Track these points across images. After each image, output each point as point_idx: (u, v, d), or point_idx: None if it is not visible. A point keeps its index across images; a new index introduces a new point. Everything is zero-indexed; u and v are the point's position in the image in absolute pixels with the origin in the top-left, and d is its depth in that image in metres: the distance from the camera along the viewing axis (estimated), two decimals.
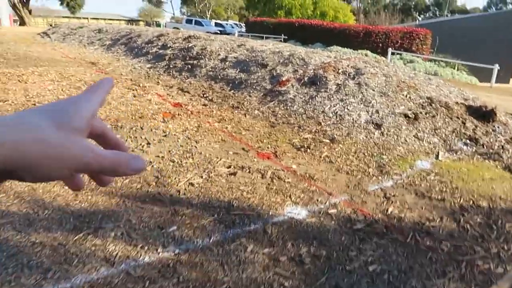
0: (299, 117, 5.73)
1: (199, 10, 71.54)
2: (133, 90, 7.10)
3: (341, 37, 21.95)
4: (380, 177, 4.14)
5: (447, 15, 54.72)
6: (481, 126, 5.55)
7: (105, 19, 56.62)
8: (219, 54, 8.92)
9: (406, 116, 5.52)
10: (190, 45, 10.00)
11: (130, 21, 63.18)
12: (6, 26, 33.21)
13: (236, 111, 6.13)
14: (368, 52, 19.12)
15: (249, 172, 4.01)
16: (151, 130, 5.02)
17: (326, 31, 23.32)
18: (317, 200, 3.53)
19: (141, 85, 7.55)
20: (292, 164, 4.33)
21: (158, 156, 4.21)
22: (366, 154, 4.69)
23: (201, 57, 9.06)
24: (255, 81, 7.20)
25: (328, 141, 5.00)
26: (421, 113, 5.60)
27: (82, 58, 11.28)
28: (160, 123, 5.33)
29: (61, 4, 34.08)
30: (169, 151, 4.37)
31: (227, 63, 8.39)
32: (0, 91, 6.30)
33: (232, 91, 7.13)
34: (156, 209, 3.14)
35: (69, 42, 16.23)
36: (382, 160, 4.53)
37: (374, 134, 5.17)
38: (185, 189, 3.53)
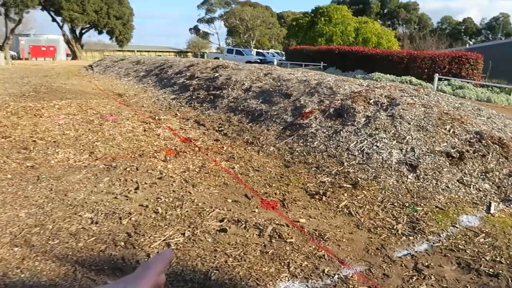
0: (318, 155, 4.96)
1: (243, 41, 73.21)
2: (147, 123, 6.68)
3: (384, 63, 20.90)
4: (411, 237, 3.25)
5: (501, 38, 51.74)
6: None
7: (155, 51, 59.10)
8: (243, 84, 8.40)
9: (448, 155, 4.58)
10: (216, 75, 9.60)
11: (179, 52, 65.50)
12: (61, 59, 35.39)
13: (249, 147, 5.47)
14: (413, 79, 17.97)
15: (245, 227, 3.29)
16: (147, 171, 4.47)
17: (367, 58, 22.37)
18: (323, 272, 2.72)
19: (157, 118, 7.14)
20: (300, 216, 3.55)
21: (142, 205, 3.61)
22: (395, 204, 3.81)
23: (225, 87, 8.58)
24: (275, 113, 6.54)
25: (349, 186, 4.18)
26: (467, 151, 4.63)
27: (111, 89, 11.24)
28: (160, 162, 4.78)
29: (110, 38, 35.92)
30: (157, 198, 3.76)
31: (250, 93, 7.83)
32: (10, 126, 6.09)
33: (250, 124, 6.50)
34: (111, 282, 2.49)
35: (108, 74, 16.57)
36: (415, 213, 3.63)
37: (407, 177, 4.27)
38: (158, 252, 2.87)
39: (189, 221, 3.35)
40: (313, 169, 4.64)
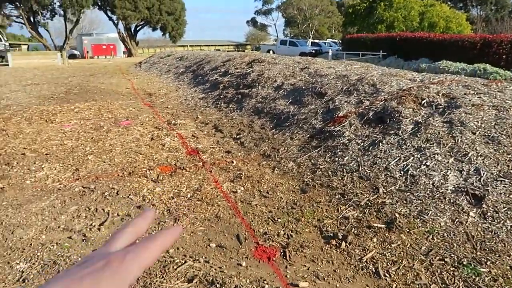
0: (347, 176, 3.82)
1: (302, 31, 71.58)
2: (159, 129, 5.92)
3: (453, 50, 18.60)
4: None
5: None
6: None
7: (214, 45, 59.43)
8: (275, 81, 7.36)
9: None
10: (248, 71, 8.65)
11: (238, 45, 65.47)
12: (121, 57, 36.52)
13: (264, 162, 4.46)
14: (488, 66, 15.63)
15: None
16: (128, 197, 3.65)
17: (434, 44, 20.11)
18: None
19: (172, 122, 6.35)
20: (303, 276, 2.51)
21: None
22: (448, 259, 2.61)
23: (255, 84, 7.60)
24: (304, 116, 5.44)
25: (382, 225, 3.03)
26: None
27: (145, 88, 10.74)
28: (150, 183, 3.94)
29: (163, 34, 36.34)
30: None
31: (280, 91, 6.77)
32: (11, 135, 5.64)
33: (273, 130, 5.47)
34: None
35: (151, 71, 16.30)
36: (477, 278, 2.42)
37: (468, 215, 3.02)
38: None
39: (143, 281, 2.45)
40: (336, 196, 3.53)
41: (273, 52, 27.89)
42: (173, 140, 5.33)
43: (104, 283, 0.35)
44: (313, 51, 30.22)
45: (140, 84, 11.79)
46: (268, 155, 4.64)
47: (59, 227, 3.11)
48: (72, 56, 31.97)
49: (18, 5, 27.93)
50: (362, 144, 4.26)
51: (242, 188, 3.81)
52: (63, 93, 9.52)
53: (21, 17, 29.31)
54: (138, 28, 35.91)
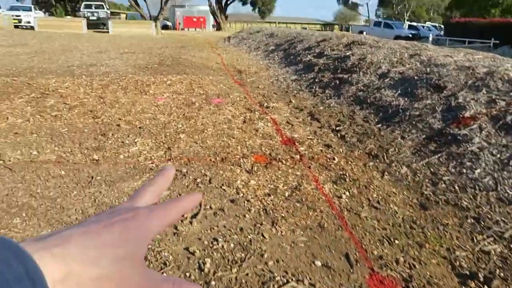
0: (481, 195, 3.11)
1: (396, 12, 67.37)
2: (251, 111, 5.58)
3: None
4: None
5: None
6: None
7: (300, 23, 58.25)
8: (379, 67, 6.59)
9: None
10: (348, 54, 7.93)
11: (325, 25, 63.36)
12: (207, 30, 37.19)
13: (371, 164, 3.88)
14: None
15: None
16: (221, 187, 3.33)
17: None
18: None
19: (265, 105, 5.97)
20: None
21: (188, 250, 2.48)
22: None
23: (355, 69, 6.90)
24: (418, 112, 4.70)
25: None
26: None
27: (235, 65, 10.51)
28: (243, 173, 3.60)
29: (253, 9, 36.11)
30: (214, 240, 2.59)
31: (386, 80, 6.02)
32: (108, 104, 5.67)
33: (379, 125, 4.81)
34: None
35: (240, 47, 16.12)
36: None
37: None
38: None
39: None
40: (469, 220, 2.86)
41: (366, 34, 26.23)
42: (267, 126, 4.95)
43: (133, 232, 0.36)
44: (410, 35, 27.98)
45: (229, 60, 11.59)
46: (375, 155, 4.04)
47: None
48: (164, 27, 33.22)
49: None
50: (498, 156, 3.48)
51: (347, 193, 3.30)
52: (157, 64, 9.62)
53: None
54: (228, 2, 36.12)
